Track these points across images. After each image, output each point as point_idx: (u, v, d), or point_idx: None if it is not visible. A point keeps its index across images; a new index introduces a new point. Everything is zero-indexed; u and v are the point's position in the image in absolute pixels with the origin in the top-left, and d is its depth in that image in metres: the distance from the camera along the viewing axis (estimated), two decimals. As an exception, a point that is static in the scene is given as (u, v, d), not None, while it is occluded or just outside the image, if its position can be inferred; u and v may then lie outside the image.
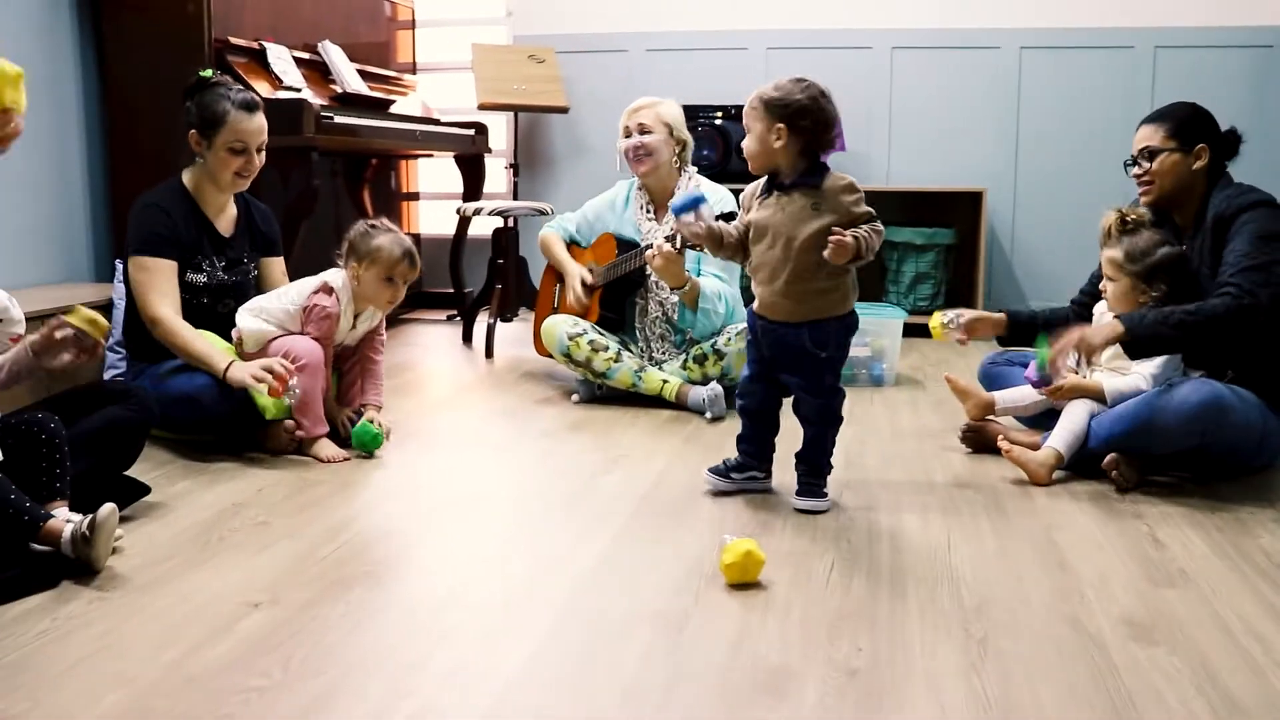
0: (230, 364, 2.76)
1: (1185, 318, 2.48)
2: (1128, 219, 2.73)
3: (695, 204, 2.43)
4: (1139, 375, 2.64)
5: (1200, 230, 2.70)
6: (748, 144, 2.39)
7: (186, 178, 3.00)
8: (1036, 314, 3.01)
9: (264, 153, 2.99)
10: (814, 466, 2.44)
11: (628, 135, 3.56)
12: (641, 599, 1.91)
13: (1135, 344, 2.52)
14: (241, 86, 3.02)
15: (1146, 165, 2.74)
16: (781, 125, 2.31)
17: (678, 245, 3.08)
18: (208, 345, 2.83)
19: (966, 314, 2.95)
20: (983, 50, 5.32)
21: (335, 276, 2.93)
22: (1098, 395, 2.68)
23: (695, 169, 3.67)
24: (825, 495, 2.43)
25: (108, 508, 1.98)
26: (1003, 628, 1.79)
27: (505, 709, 1.53)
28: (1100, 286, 2.78)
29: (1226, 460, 2.62)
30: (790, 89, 2.32)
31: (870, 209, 2.33)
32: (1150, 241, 2.66)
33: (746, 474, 2.54)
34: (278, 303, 2.92)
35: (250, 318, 2.90)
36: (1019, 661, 1.67)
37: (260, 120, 2.95)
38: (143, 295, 2.88)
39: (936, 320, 2.95)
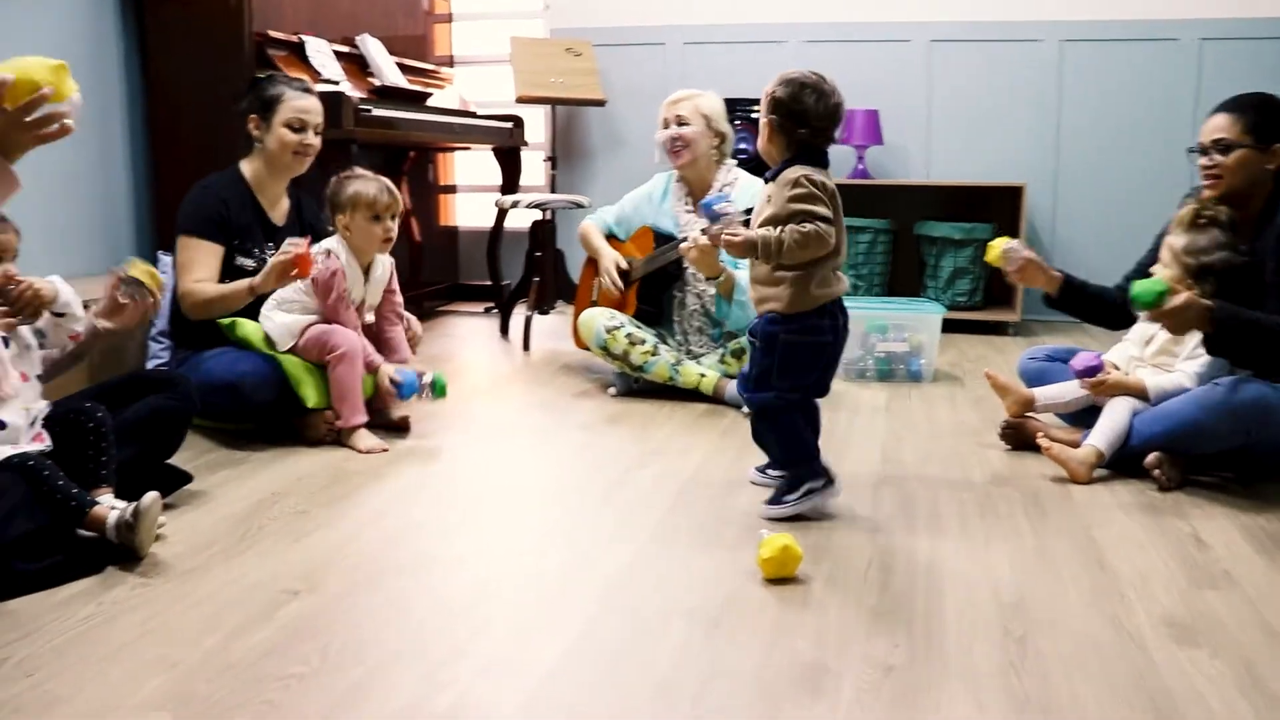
0: (251, 282, 2.84)
1: (1276, 328, 2.42)
2: (1203, 214, 2.62)
3: (713, 207, 2.34)
4: (1183, 374, 2.61)
5: (1265, 232, 2.61)
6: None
7: (244, 167, 3.07)
8: (1089, 285, 2.92)
9: (320, 136, 3.07)
10: (781, 469, 2.39)
11: (665, 127, 3.56)
12: (677, 594, 1.91)
13: (1219, 337, 2.45)
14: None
15: (1218, 158, 2.63)
16: (767, 120, 2.30)
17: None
18: (228, 285, 2.89)
19: (1028, 253, 2.83)
20: (1023, 43, 5.26)
21: (329, 241, 2.97)
22: (1140, 393, 2.64)
23: (735, 162, 3.66)
24: (787, 502, 2.32)
25: (151, 496, 2.01)
26: (1041, 626, 1.77)
27: (540, 703, 1.53)
28: (1151, 269, 2.72)
29: (1272, 460, 2.57)
30: (776, 82, 2.29)
31: (808, 208, 2.20)
32: (1213, 241, 2.58)
33: (779, 472, 2.51)
34: (290, 289, 2.94)
35: (274, 314, 2.93)
36: (1058, 661, 1.65)
37: (316, 101, 3.07)
38: (181, 274, 2.95)
39: (998, 245, 2.82)
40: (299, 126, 3.00)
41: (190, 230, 2.94)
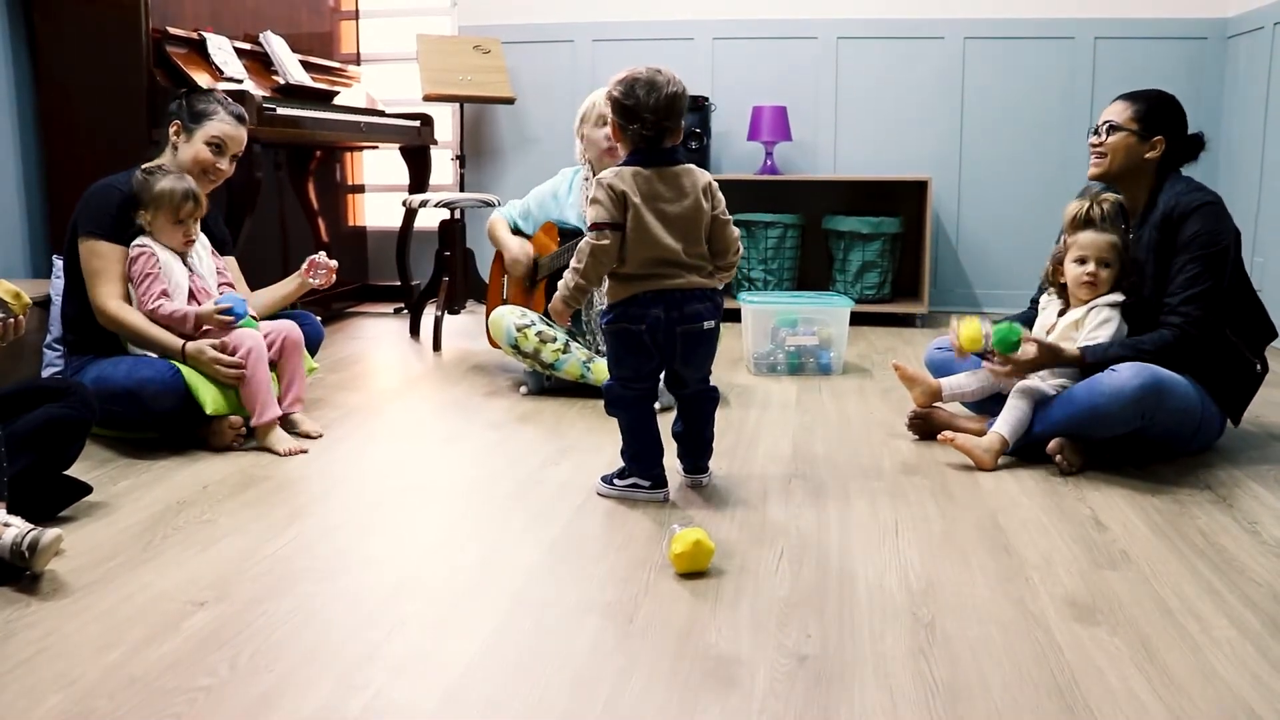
0: (186, 342, 2.80)
1: (1145, 350, 2.58)
2: (1094, 209, 2.69)
3: None
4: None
5: (1147, 222, 2.73)
6: None
7: None
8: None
9: (233, 167, 3.05)
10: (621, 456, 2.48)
11: (605, 124, 3.46)
12: (591, 589, 1.91)
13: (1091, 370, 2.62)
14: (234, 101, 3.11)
15: (1105, 138, 2.77)
16: (610, 121, 2.39)
17: None
18: (160, 329, 2.82)
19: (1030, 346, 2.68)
20: (927, 40, 5.37)
21: (139, 239, 2.88)
22: (1071, 360, 2.65)
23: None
24: (615, 485, 2.45)
25: (53, 533, 1.92)
26: (949, 611, 1.81)
27: (455, 702, 1.52)
28: (1074, 266, 2.70)
29: (1165, 444, 2.67)
30: (611, 82, 2.36)
31: (590, 218, 2.32)
32: (1123, 235, 2.69)
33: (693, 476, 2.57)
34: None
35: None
36: (965, 644, 1.69)
37: (243, 133, 3.06)
38: (93, 283, 2.86)
39: (974, 329, 2.71)
40: (219, 148, 2.98)
41: (93, 233, 2.85)
